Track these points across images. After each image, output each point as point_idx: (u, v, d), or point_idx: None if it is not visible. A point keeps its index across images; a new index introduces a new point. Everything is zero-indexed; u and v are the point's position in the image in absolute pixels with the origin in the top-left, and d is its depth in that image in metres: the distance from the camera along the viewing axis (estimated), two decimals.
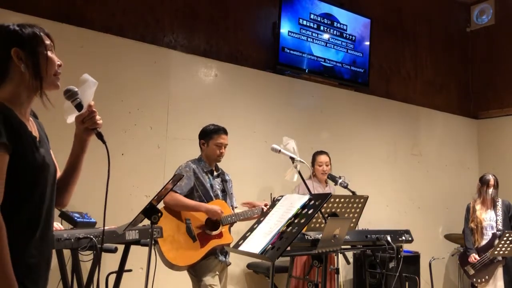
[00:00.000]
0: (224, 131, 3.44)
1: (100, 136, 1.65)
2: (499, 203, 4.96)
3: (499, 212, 4.91)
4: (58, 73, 1.58)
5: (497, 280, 4.74)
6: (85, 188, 3.29)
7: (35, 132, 1.55)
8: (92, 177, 2.73)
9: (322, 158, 4.46)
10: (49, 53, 1.55)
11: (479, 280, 4.82)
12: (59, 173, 1.69)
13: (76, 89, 1.63)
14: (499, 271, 4.75)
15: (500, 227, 4.83)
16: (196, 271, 3.25)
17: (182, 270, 3.26)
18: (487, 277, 4.77)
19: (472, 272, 4.86)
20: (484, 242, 4.86)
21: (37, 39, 1.53)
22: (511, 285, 4.74)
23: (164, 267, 3.20)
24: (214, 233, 3.28)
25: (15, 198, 1.42)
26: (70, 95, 1.63)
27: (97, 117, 1.63)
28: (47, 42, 1.56)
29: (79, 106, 1.62)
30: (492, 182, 4.94)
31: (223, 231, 3.31)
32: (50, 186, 1.54)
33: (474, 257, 4.81)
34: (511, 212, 4.94)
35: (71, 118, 1.64)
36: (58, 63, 1.58)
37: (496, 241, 4.58)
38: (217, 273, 3.28)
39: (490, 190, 4.92)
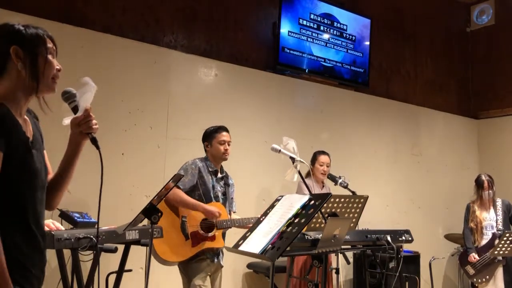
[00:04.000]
0: (224, 129, 3.47)
1: (94, 141, 1.60)
2: (499, 203, 4.94)
3: (499, 212, 4.89)
4: (57, 76, 1.55)
5: (497, 280, 4.73)
6: (85, 188, 3.30)
7: (29, 132, 1.52)
8: (93, 177, 2.72)
9: (324, 159, 4.42)
10: (49, 56, 1.53)
11: (479, 280, 4.82)
12: (51, 175, 1.66)
13: (75, 92, 1.59)
14: (500, 271, 4.74)
15: (500, 226, 4.82)
16: (187, 272, 3.24)
17: (171, 265, 3.25)
18: (487, 277, 4.76)
19: (472, 272, 4.85)
20: (484, 242, 4.84)
21: (38, 40, 1.51)
22: (511, 285, 4.74)
23: (165, 267, 3.19)
24: (208, 234, 3.27)
25: (2, 198, 1.41)
26: (68, 97, 1.60)
27: (94, 121, 1.59)
28: (49, 45, 1.54)
29: (75, 109, 1.59)
30: (486, 184, 4.90)
31: (217, 234, 3.29)
32: (40, 189, 1.52)
33: (473, 256, 4.80)
34: (511, 212, 4.93)
35: (66, 121, 1.60)
36: (57, 67, 1.55)
37: (496, 241, 4.58)
38: (209, 274, 3.27)
39: (486, 193, 4.90)
